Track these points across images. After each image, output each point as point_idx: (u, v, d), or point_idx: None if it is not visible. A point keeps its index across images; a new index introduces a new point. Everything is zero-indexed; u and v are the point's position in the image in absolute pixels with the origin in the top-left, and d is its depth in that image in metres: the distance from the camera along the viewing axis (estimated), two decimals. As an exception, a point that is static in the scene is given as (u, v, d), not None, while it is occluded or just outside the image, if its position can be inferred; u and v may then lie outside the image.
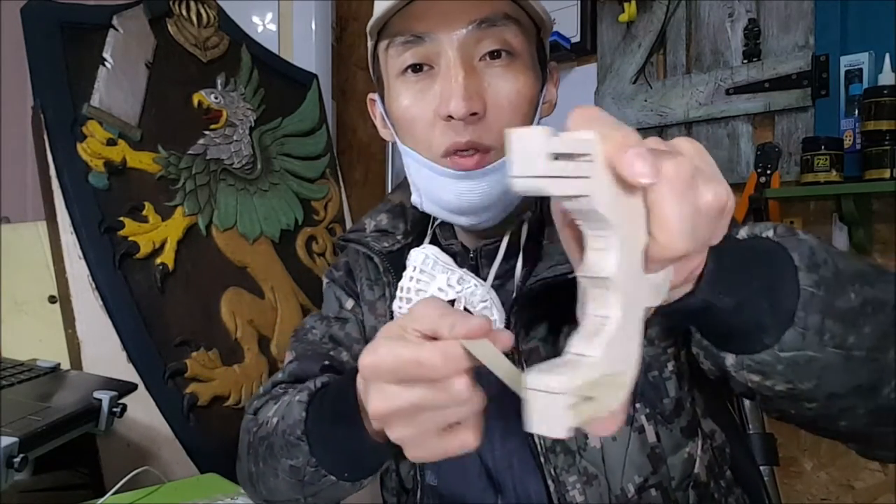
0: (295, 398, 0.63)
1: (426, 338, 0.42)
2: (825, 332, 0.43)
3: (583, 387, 0.28)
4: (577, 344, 0.31)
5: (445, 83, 0.63)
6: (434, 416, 0.42)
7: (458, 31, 0.63)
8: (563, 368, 0.29)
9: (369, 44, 0.71)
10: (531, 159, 0.27)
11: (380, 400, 0.43)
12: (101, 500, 0.91)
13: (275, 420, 0.65)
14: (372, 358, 0.43)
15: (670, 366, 0.67)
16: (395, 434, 0.44)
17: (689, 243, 0.31)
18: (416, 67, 0.66)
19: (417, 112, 0.66)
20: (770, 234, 0.49)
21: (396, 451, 0.61)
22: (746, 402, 0.85)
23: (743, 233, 0.53)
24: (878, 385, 0.46)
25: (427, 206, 0.72)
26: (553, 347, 0.66)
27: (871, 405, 0.47)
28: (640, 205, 0.31)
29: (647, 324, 0.67)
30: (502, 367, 0.37)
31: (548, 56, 0.72)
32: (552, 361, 0.31)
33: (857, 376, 0.45)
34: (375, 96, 0.76)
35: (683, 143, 0.35)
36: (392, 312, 0.74)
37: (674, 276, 0.35)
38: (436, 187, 0.67)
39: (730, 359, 0.46)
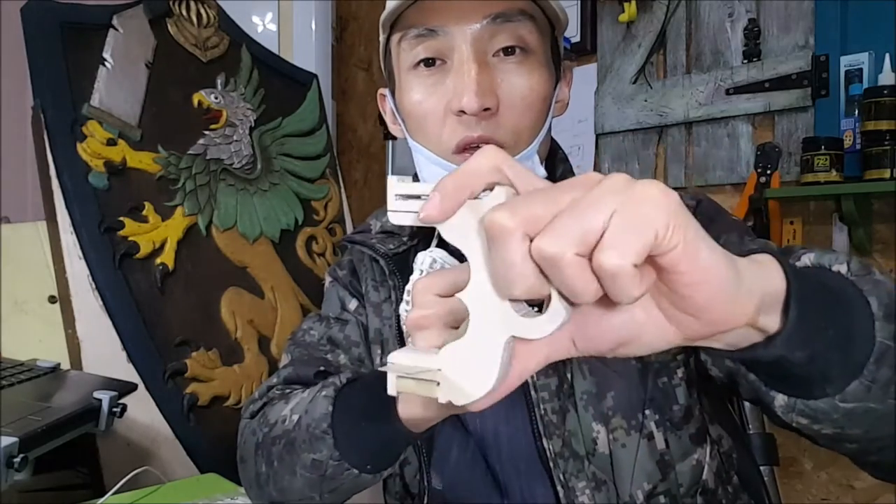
0: (320, 394, 0.63)
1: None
2: (892, 386, 0.40)
3: (411, 368, 0.36)
4: (446, 339, 0.37)
5: (458, 78, 0.63)
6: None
7: (473, 26, 0.62)
8: (415, 351, 0.38)
9: (381, 37, 0.70)
10: (391, 198, 0.37)
11: (419, 309, 0.41)
12: (101, 500, 0.91)
13: (295, 417, 0.64)
14: (426, 279, 0.42)
15: (680, 372, 0.66)
16: (421, 342, 0.41)
17: (508, 288, 0.32)
18: (429, 62, 0.65)
19: (429, 106, 0.65)
20: (843, 269, 0.45)
21: (418, 439, 0.61)
22: (746, 403, 0.85)
23: (807, 260, 0.48)
24: None
25: None
26: None
27: None
28: None
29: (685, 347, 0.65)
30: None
31: (562, 55, 0.72)
32: (421, 347, 0.39)
33: None
34: (386, 91, 0.75)
35: (636, 189, 0.30)
36: (398, 315, 0.73)
37: (688, 331, 0.33)
38: None
39: (780, 399, 0.43)
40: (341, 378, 0.63)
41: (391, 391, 0.37)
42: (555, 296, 0.32)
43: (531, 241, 0.30)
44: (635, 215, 0.29)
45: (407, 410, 0.53)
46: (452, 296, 0.41)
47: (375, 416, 0.56)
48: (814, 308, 0.38)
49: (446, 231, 0.35)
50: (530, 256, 0.30)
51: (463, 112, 0.62)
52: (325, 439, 0.59)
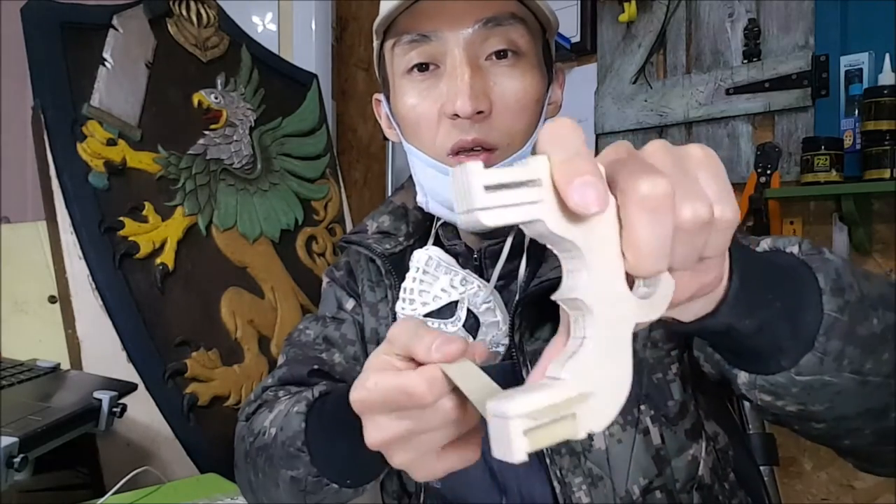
0: (293, 409, 0.63)
1: (409, 361, 0.41)
2: (844, 358, 0.42)
3: (542, 410, 0.28)
4: (552, 368, 0.30)
5: (451, 82, 0.63)
6: (429, 439, 0.41)
7: (465, 30, 0.63)
8: (525, 393, 0.29)
9: (375, 43, 0.71)
10: (469, 193, 0.27)
11: (375, 431, 0.43)
12: (101, 500, 0.91)
13: (273, 431, 0.65)
14: (360, 393, 0.43)
15: (674, 368, 0.67)
16: (396, 461, 0.44)
17: (659, 264, 0.30)
18: (422, 66, 0.66)
19: (423, 111, 0.66)
20: (794, 249, 0.47)
21: None
22: (746, 403, 0.85)
23: (765, 244, 0.51)
24: (888, 408, 0.46)
25: (433, 207, 0.71)
26: None
27: (878, 427, 0.47)
28: (612, 221, 0.30)
29: (651, 327, 0.67)
30: (478, 387, 0.36)
31: (553, 57, 0.72)
32: (524, 387, 0.30)
33: (869, 400, 0.45)
34: (381, 96, 0.75)
35: (690, 150, 0.34)
36: (395, 314, 0.73)
37: (679, 292, 0.33)
38: (441, 187, 0.67)
39: (742, 377, 0.44)
40: (314, 391, 0.63)
41: (519, 457, 0.27)
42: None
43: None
44: (715, 172, 0.33)
45: (426, 475, 0.45)
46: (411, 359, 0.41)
47: (349, 433, 0.54)
48: (758, 278, 0.39)
49: (553, 223, 0.29)
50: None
51: (457, 115, 0.63)
52: (301, 457, 0.59)
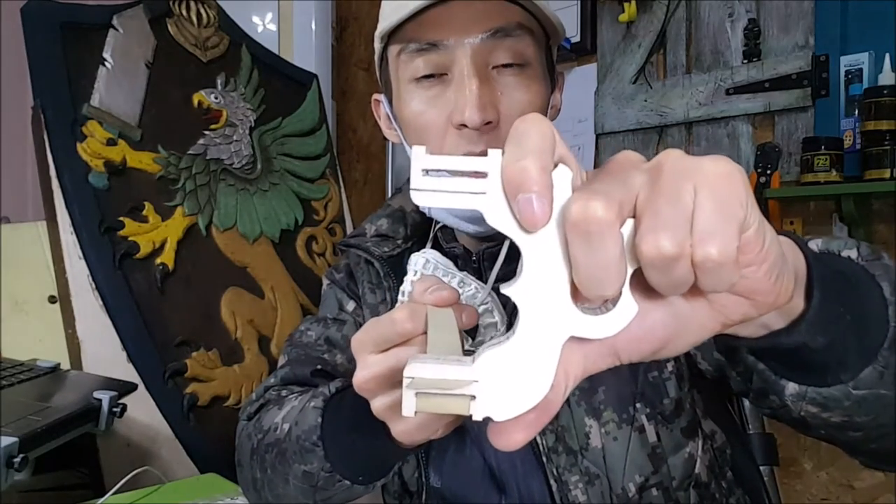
0: (309, 404, 0.63)
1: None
2: None
3: (436, 382, 0.30)
4: (479, 350, 0.31)
5: (459, 92, 0.63)
6: None
7: (473, 40, 0.63)
8: (435, 363, 0.31)
9: (377, 45, 0.70)
10: (419, 174, 0.30)
11: (362, 370, 0.44)
12: (101, 500, 0.91)
13: (286, 426, 0.64)
14: (358, 334, 0.45)
15: (670, 366, 0.67)
16: (376, 405, 0.45)
17: (602, 289, 0.28)
18: (429, 74, 0.65)
19: (430, 118, 0.66)
20: (853, 254, 0.44)
21: (411, 453, 0.61)
22: (746, 403, 0.85)
23: (814, 246, 0.46)
24: None
25: (435, 212, 0.72)
26: None
27: None
28: (559, 233, 0.29)
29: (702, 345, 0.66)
30: (442, 342, 0.37)
31: (555, 63, 0.73)
32: (443, 357, 0.33)
33: None
34: (381, 97, 0.75)
35: (702, 166, 0.28)
36: None
37: (697, 318, 0.31)
38: None
39: (791, 388, 0.42)
40: (330, 387, 0.63)
41: (408, 412, 0.31)
42: (626, 288, 0.29)
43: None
44: (724, 195, 0.27)
45: (399, 430, 0.48)
46: (388, 350, 0.43)
47: (365, 429, 0.55)
48: (832, 292, 0.37)
49: (492, 216, 0.29)
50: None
51: (464, 126, 0.62)
52: (316, 451, 0.59)
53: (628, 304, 0.29)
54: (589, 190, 0.27)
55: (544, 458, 0.65)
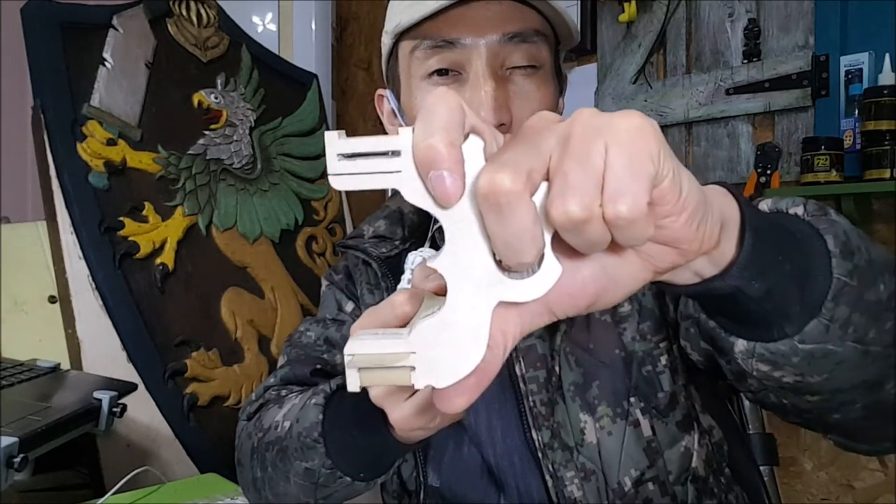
0: (310, 401, 0.63)
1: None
2: (850, 326, 0.40)
3: (375, 356, 0.31)
4: (413, 322, 0.32)
5: (474, 92, 0.63)
6: None
7: (490, 42, 0.64)
8: (374, 338, 0.32)
9: (386, 40, 0.71)
10: (335, 159, 0.30)
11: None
12: (101, 500, 0.91)
13: (287, 424, 0.65)
14: (358, 321, 0.45)
15: (663, 360, 0.67)
16: (375, 392, 0.45)
17: (520, 257, 0.28)
18: (443, 71, 0.66)
19: None
20: (799, 210, 0.45)
21: (411, 449, 0.61)
22: (746, 403, 0.85)
23: (765, 206, 0.47)
24: (884, 380, 0.44)
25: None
26: (549, 344, 0.67)
27: (871, 400, 0.45)
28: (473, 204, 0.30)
29: (642, 317, 0.66)
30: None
31: (562, 66, 0.73)
32: (381, 332, 0.34)
33: (867, 372, 0.43)
34: (385, 92, 0.76)
35: (613, 123, 0.28)
36: None
37: (629, 269, 0.32)
38: None
39: (740, 345, 0.42)
40: (331, 384, 0.63)
41: (353, 387, 0.32)
42: (548, 250, 0.29)
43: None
44: (633, 151, 0.27)
45: (397, 416, 0.50)
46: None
47: (366, 425, 0.56)
48: (768, 240, 0.37)
49: (410, 193, 0.30)
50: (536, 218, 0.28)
51: None
52: (317, 448, 0.60)
53: (552, 266, 0.30)
54: (497, 161, 0.28)
55: (539, 454, 0.65)
